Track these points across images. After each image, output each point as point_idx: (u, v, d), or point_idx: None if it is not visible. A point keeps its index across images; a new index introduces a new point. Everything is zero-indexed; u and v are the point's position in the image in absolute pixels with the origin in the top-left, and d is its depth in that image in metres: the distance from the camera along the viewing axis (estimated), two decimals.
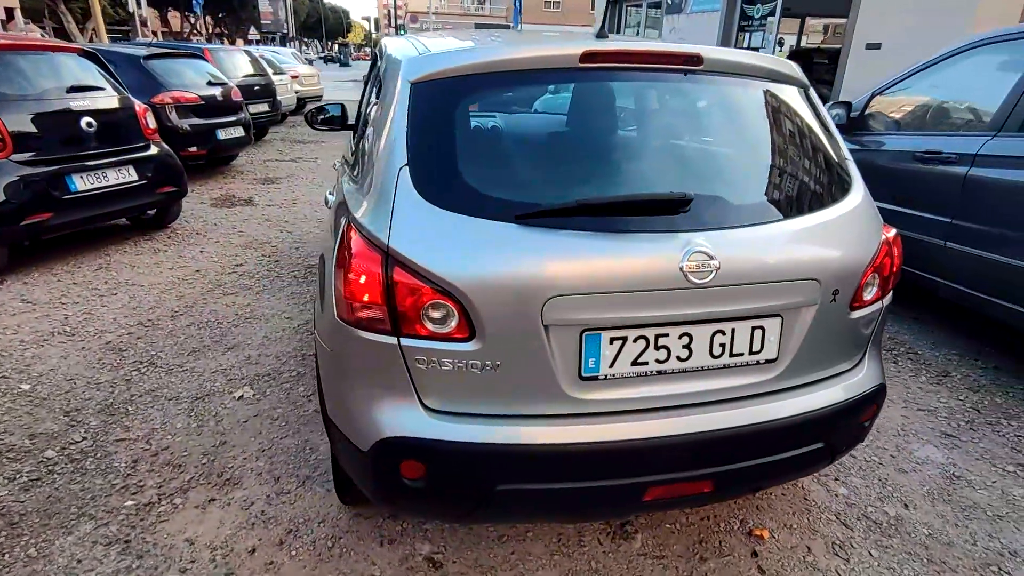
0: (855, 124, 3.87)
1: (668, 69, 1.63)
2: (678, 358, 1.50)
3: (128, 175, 4.65)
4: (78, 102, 4.41)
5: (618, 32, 15.18)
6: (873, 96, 3.85)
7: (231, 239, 5.27)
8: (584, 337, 1.43)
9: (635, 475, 1.50)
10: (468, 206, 1.44)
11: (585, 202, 1.41)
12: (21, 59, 4.23)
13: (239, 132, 7.60)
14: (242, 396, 2.84)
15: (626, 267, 1.40)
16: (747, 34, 11.02)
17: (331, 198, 2.22)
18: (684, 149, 1.62)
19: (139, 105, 4.91)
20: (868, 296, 1.67)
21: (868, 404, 1.74)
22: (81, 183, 4.29)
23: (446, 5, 63.76)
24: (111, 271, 4.39)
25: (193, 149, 6.85)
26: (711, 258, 1.42)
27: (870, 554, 2.06)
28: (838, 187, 1.70)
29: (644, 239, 1.42)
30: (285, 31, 43.96)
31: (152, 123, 4.98)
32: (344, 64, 50.10)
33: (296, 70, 14.33)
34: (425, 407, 1.48)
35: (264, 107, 9.91)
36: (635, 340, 1.46)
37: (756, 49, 10.55)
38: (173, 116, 6.69)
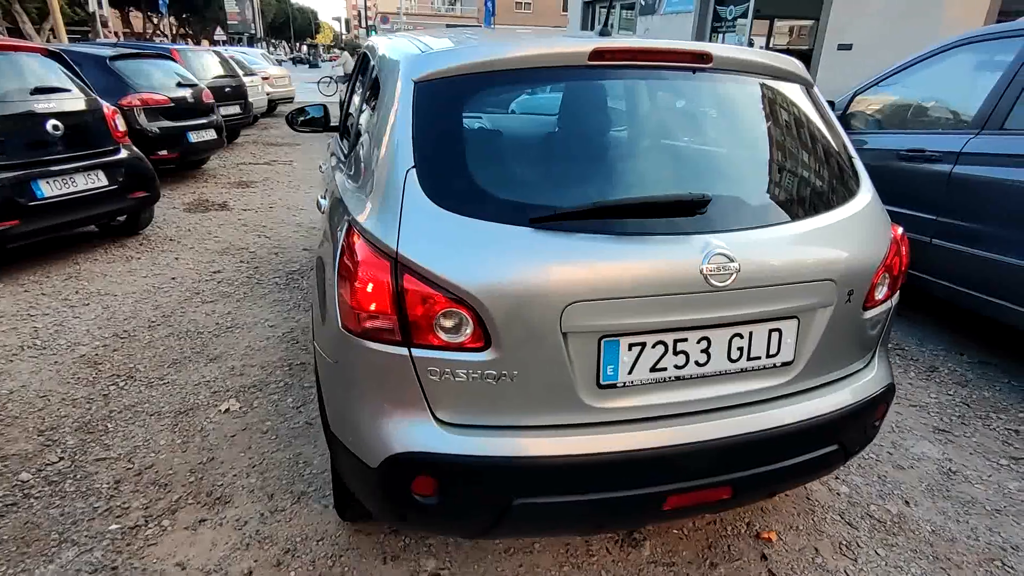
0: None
1: (677, 67, 1.60)
2: (696, 363, 1.46)
3: (98, 180, 4.47)
4: (43, 104, 4.22)
5: None
6: (855, 95, 3.89)
7: (207, 245, 5.10)
8: (602, 344, 1.39)
9: (655, 484, 1.46)
10: (480, 209, 1.38)
11: (602, 204, 1.36)
12: None
13: (211, 135, 7.40)
14: (228, 409, 2.73)
15: (646, 270, 1.35)
16: (720, 35, 11.15)
17: (324, 202, 2.14)
18: (696, 148, 1.59)
19: (108, 107, 4.73)
20: (879, 295, 1.66)
21: (879, 404, 1.73)
22: (48, 189, 4.10)
23: (416, 6, 63.37)
24: (82, 280, 4.21)
25: (164, 152, 6.63)
26: (731, 260, 1.38)
27: (877, 553, 2.05)
28: (849, 186, 1.68)
29: (663, 241, 1.38)
30: (253, 32, 43.12)
31: (122, 126, 4.80)
32: (313, 65, 49.37)
33: (266, 71, 14.04)
34: (438, 420, 1.42)
35: (235, 109, 9.68)
36: (654, 346, 1.42)
37: None
38: (142, 118, 6.47)
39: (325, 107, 3.55)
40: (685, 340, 1.44)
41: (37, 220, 4.07)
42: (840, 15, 8.30)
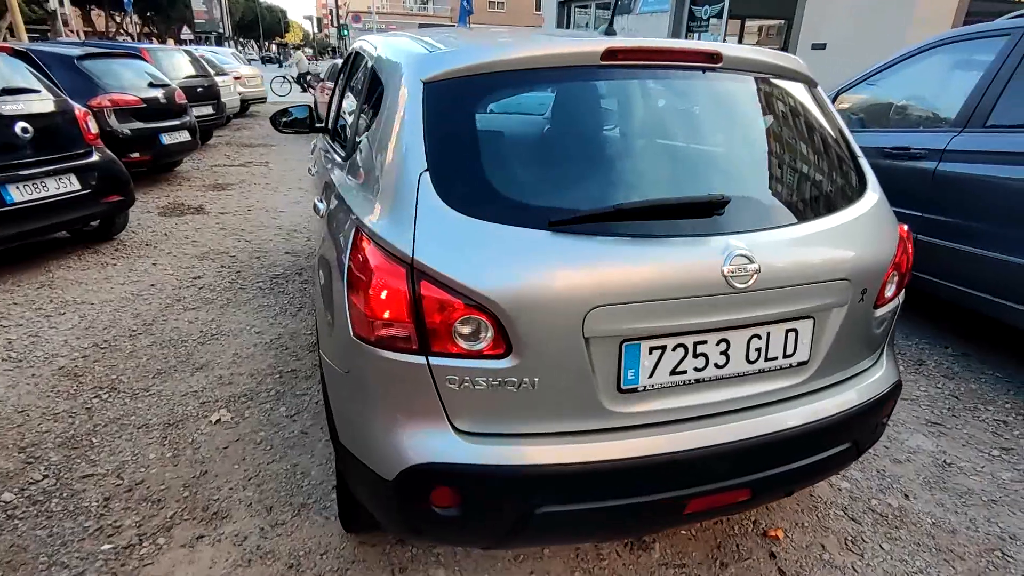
0: None
1: (687, 67, 1.59)
2: (716, 365, 1.45)
3: (70, 184, 4.31)
4: (10, 106, 4.05)
5: None
6: (839, 94, 3.95)
7: (185, 250, 4.96)
8: (624, 348, 1.37)
9: (677, 488, 1.44)
10: (496, 213, 1.34)
11: (623, 207, 1.34)
12: None
13: (185, 136, 7.21)
14: (219, 420, 2.65)
15: (668, 273, 1.34)
16: (695, 35, 11.26)
17: (322, 205, 2.08)
18: (709, 149, 1.58)
19: (79, 108, 4.56)
20: (889, 293, 1.67)
21: (889, 401, 1.74)
22: (17, 194, 3.94)
23: (387, 5, 62.77)
24: (56, 289, 4.05)
25: (136, 155, 6.43)
26: (751, 261, 1.37)
27: (882, 547, 2.07)
28: (858, 184, 1.69)
29: (683, 244, 1.37)
30: (221, 30, 42.23)
31: (94, 128, 4.63)
32: (284, 65, 48.56)
33: (238, 71, 13.75)
34: (456, 429, 1.38)
35: (208, 110, 9.45)
36: (674, 349, 1.40)
37: None
38: (113, 120, 6.27)
39: (310, 107, 3.47)
40: (705, 342, 1.42)
41: (7, 226, 3.90)
42: (814, 15, 8.44)
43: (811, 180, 1.64)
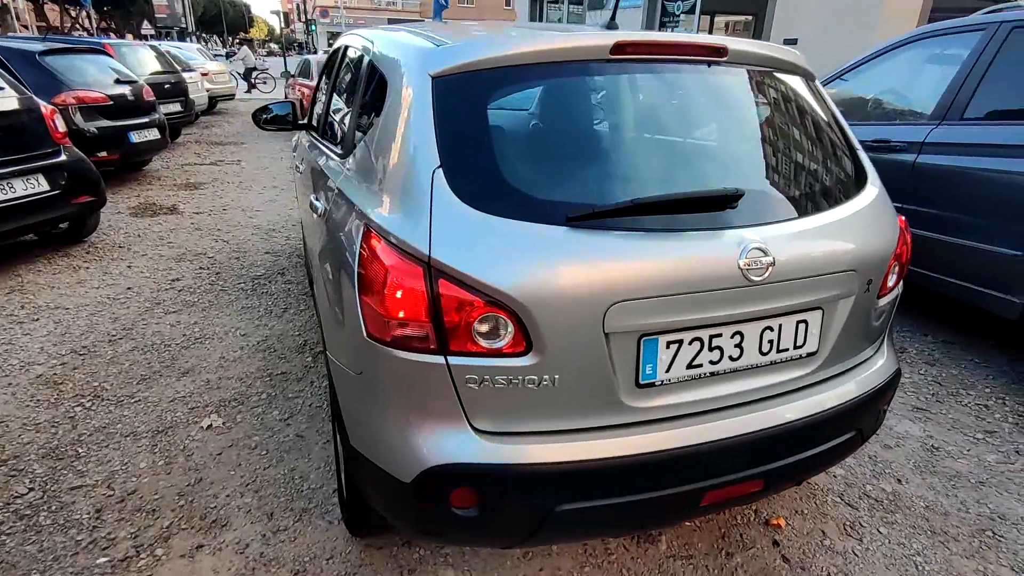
0: None
1: (694, 60, 1.59)
2: (730, 358, 1.46)
3: (38, 185, 4.15)
4: None
5: None
6: None
7: (161, 251, 4.82)
8: (642, 343, 1.36)
9: (694, 481, 1.45)
10: (514, 209, 1.33)
11: (639, 201, 1.34)
12: None
13: (154, 134, 7.00)
14: (210, 425, 2.58)
15: (687, 267, 1.34)
16: (668, 29, 11.34)
17: (319, 203, 2.03)
18: (718, 142, 1.59)
19: (45, 106, 4.39)
20: (891, 283, 1.70)
21: (890, 388, 1.78)
22: None
23: (355, 0, 61.90)
24: (27, 294, 3.90)
25: (103, 154, 6.22)
26: (765, 254, 1.38)
27: (879, 531, 2.12)
28: (860, 176, 1.72)
29: (700, 237, 1.37)
30: (183, 25, 41.09)
31: (62, 126, 4.46)
32: (231, 61, 47.43)
33: (205, 67, 13.40)
34: (475, 429, 1.36)
35: (176, 107, 9.20)
36: (690, 342, 1.41)
37: None
38: (78, 118, 6.06)
39: (293, 104, 3.40)
40: (720, 335, 1.43)
41: None
42: (785, 10, 8.59)
43: (817, 173, 1.66)
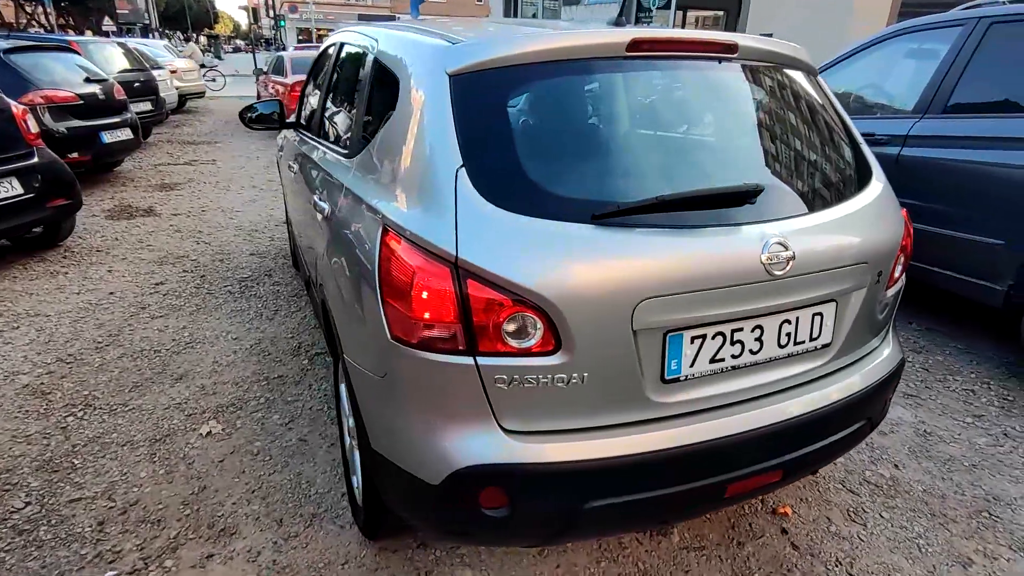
0: None
1: (706, 57, 1.61)
2: (750, 351, 1.48)
3: (11, 188, 4.01)
4: None
5: None
6: None
7: (141, 255, 4.70)
8: (667, 338, 1.38)
9: (718, 474, 1.47)
10: (538, 207, 1.33)
11: (665, 198, 1.34)
12: None
13: (126, 134, 6.81)
14: (210, 432, 2.53)
15: (712, 262, 1.35)
16: (644, 25, 11.41)
17: (324, 203, 2.00)
18: (733, 138, 1.60)
19: (16, 106, 4.24)
20: (896, 274, 1.74)
21: (897, 377, 1.83)
22: None
23: None
24: (4, 301, 3.76)
25: (75, 155, 6.03)
26: (786, 248, 1.41)
27: (882, 516, 2.18)
28: (866, 170, 1.76)
29: (723, 233, 1.39)
30: (147, 21, 39.91)
31: (34, 127, 4.32)
32: (216, 57, 46.51)
33: (173, 64, 13.08)
34: (504, 429, 1.36)
35: (147, 106, 8.96)
36: (713, 337, 1.43)
37: None
38: (48, 118, 5.86)
39: (280, 103, 3.35)
40: (741, 330, 1.45)
41: None
42: (761, 5, 8.71)
43: (827, 167, 1.69)
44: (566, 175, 1.40)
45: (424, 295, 1.31)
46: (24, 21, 36.65)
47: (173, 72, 12.47)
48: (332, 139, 2.30)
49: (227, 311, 3.72)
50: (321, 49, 3.08)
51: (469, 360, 1.31)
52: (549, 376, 1.32)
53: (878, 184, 1.74)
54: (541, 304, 1.27)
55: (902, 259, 1.75)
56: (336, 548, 1.96)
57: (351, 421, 1.91)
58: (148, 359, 3.11)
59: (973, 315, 3.74)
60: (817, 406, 1.58)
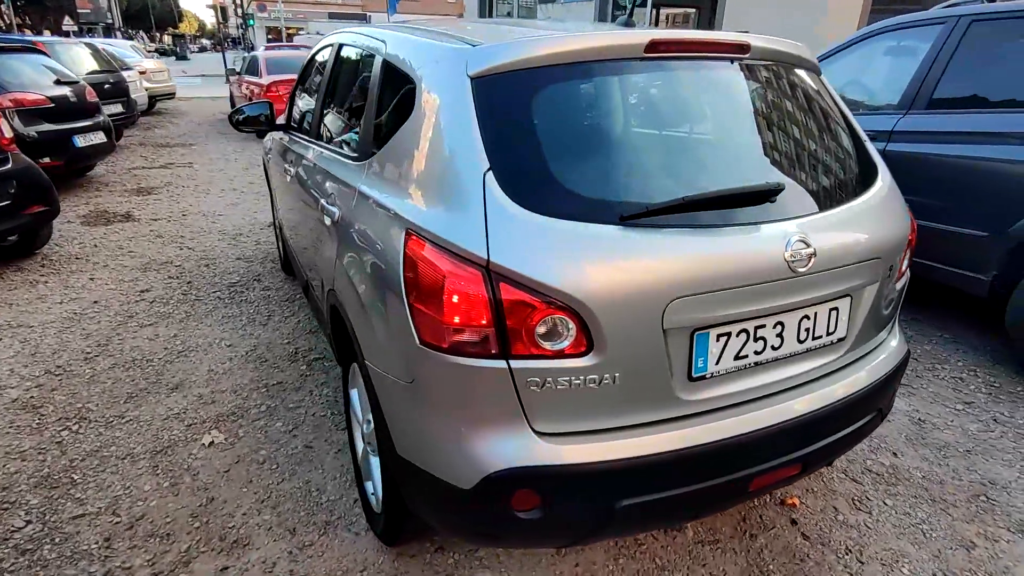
0: None
1: (719, 57, 1.63)
2: (772, 347, 1.51)
3: None
4: None
5: None
6: None
7: (123, 262, 4.58)
8: (695, 337, 1.39)
9: (744, 468, 1.49)
10: (566, 209, 1.33)
11: (691, 198, 1.36)
12: None
13: (100, 137, 6.63)
14: (212, 442, 2.48)
15: (739, 261, 1.37)
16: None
17: (334, 208, 1.97)
18: (749, 137, 1.62)
19: None
20: (903, 267, 1.79)
21: (903, 368, 1.87)
22: None
23: None
24: None
25: (46, 160, 5.84)
26: (807, 245, 1.43)
27: (885, 503, 2.23)
28: (873, 166, 1.80)
29: (748, 231, 1.41)
30: (109, 21, 38.84)
31: (7, 131, 4.18)
32: (182, 57, 45.48)
33: (142, 65, 12.75)
34: (536, 432, 1.36)
35: (118, 107, 8.73)
36: (738, 334, 1.45)
37: None
38: (17, 122, 5.67)
39: (271, 104, 3.30)
40: (763, 326, 1.47)
41: None
42: (736, 3, 8.84)
43: (838, 164, 1.72)
44: (591, 176, 1.41)
45: (455, 299, 1.30)
46: None
47: (142, 73, 12.16)
48: (336, 142, 2.27)
49: (218, 317, 3.65)
50: (314, 50, 3.04)
51: (502, 364, 1.30)
52: (582, 377, 1.32)
53: (885, 179, 1.78)
54: (574, 306, 1.27)
55: (908, 252, 1.79)
56: (353, 555, 1.95)
57: (367, 427, 1.90)
58: (141, 369, 3.03)
59: (957, 305, 3.85)
60: (833, 399, 1.61)
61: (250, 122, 3.23)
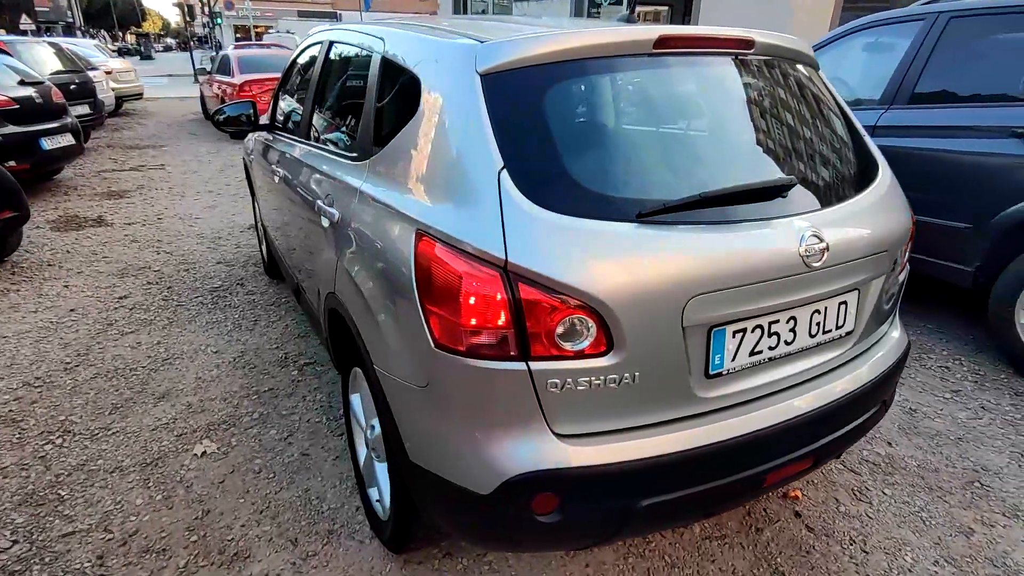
0: None
1: (725, 53, 1.63)
2: (785, 342, 1.51)
3: None
4: None
5: None
6: None
7: (98, 268, 4.44)
8: (712, 334, 1.38)
9: (760, 464, 1.49)
10: (583, 207, 1.31)
11: (708, 194, 1.35)
12: None
13: (68, 140, 6.41)
14: (204, 452, 2.41)
15: (756, 257, 1.37)
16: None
17: (333, 209, 1.92)
18: (756, 132, 1.61)
19: None
20: (904, 259, 1.81)
21: (905, 359, 1.90)
22: None
23: None
24: None
25: (12, 163, 5.62)
26: (820, 240, 1.44)
27: (884, 493, 2.26)
28: (874, 160, 1.81)
29: (763, 227, 1.41)
30: (69, 19, 37.63)
31: None
32: (147, 57, 44.36)
33: (107, 64, 12.38)
34: (555, 434, 1.34)
35: (85, 108, 8.46)
36: (753, 330, 1.44)
37: None
38: None
39: (253, 104, 3.22)
40: (777, 321, 1.47)
41: None
42: (711, 1, 8.92)
43: (843, 158, 1.73)
44: (606, 173, 1.39)
45: (472, 301, 1.27)
46: None
47: (108, 73, 11.82)
48: (331, 142, 2.22)
49: (202, 323, 3.56)
50: (300, 48, 2.97)
51: (521, 365, 1.28)
52: (601, 378, 1.31)
53: (886, 173, 1.80)
54: (594, 305, 1.26)
55: (909, 244, 1.82)
56: (359, 564, 1.90)
57: (371, 433, 1.86)
58: (125, 378, 2.93)
59: (938, 296, 3.93)
60: (843, 392, 1.62)
61: (232, 122, 3.15)
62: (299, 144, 2.56)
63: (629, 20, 1.71)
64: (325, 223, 1.97)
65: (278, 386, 2.89)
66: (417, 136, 1.54)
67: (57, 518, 2.06)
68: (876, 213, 1.64)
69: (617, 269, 1.27)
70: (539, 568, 1.91)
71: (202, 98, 12.88)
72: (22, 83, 6.14)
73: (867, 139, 1.88)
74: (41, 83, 6.42)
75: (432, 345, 1.34)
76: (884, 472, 2.37)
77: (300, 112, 2.68)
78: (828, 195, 1.58)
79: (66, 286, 4.07)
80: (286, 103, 3.09)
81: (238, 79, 9.87)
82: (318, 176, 2.17)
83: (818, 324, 1.55)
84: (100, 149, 9.23)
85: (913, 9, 3.51)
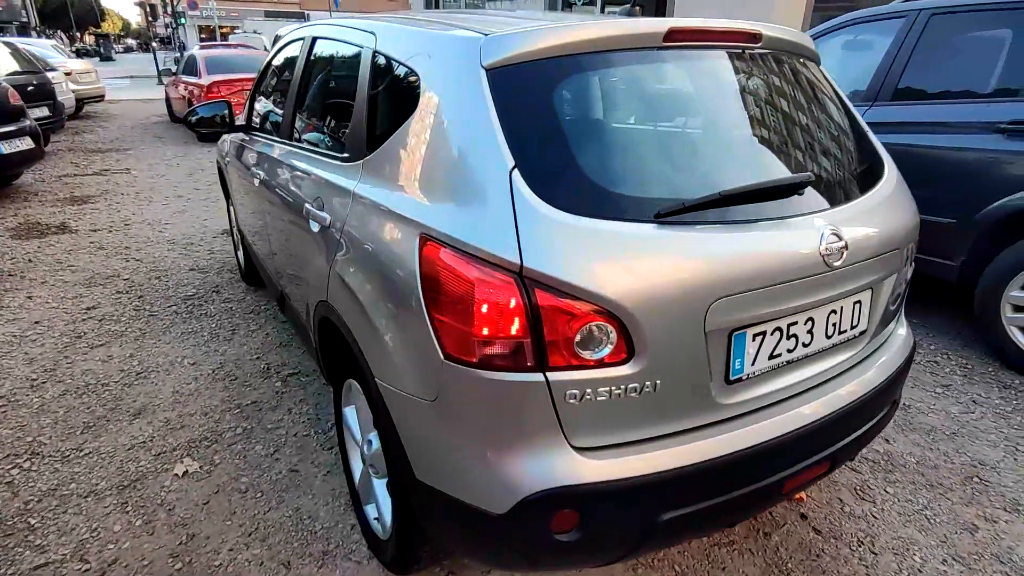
0: None
1: (733, 46, 1.58)
2: (803, 344, 1.47)
3: None
4: None
5: None
6: None
7: (63, 277, 4.23)
8: (732, 338, 1.33)
9: (780, 470, 1.44)
10: (599, 208, 1.24)
11: (727, 193, 1.29)
12: None
13: (27, 143, 6.12)
14: (186, 472, 2.28)
15: (778, 257, 1.32)
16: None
17: (324, 213, 1.82)
18: (768, 128, 1.57)
19: None
20: (911, 256, 1.78)
21: (913, 357, 1.87)
22: None
23: None
24: None
25: None
26: (839, 239, 1.39)
27: (887, 491, 2.25)
28: (879, 156, 1.79)
29: (780, 227, 1.36)
30: (24, 19, 36.30)
31: None
32: (107, 58, 43.08)
33: (67, 65, 11.93)
34: (573, 448, 1.27)
35: (44, 111, 8.11)
36: (772, 333, 1.40)
37: None
38: None
39: (229, 103, 3.09)
40: (796, 323, 1.43)
41: None
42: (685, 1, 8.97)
43: (851, 155, 1.70)
44: (621, 172, 1.32)
45: (484, 309, 1.19)
46: None
47: (68, 74, 11.38)
48: (317, 143, 2.11)
49: (177, 334, 3.40)
50: (280, 45, 2.84)
51: (538, 376, 1.21)
52: (622, 387, 1.24)
53: (893, 170, 1.78)
54: (615, 311, 1.19)
55: (916, 240, 1.79)
56: None
57: (368, 448, 1.76)
58: (96, 395, 2.77)
59: (923, 291, 3.97)
60: (858, 393, 1.59)
61: (206, 123, 3.01)
62: (282, 145, 2.44)
63: (630, 14, 1.65)
64: (315, 227, 1.87)
65: (261, 398, 2.76)
66: (416, 135, 1.45)
67: (28, 549, 1.92)
68: (887, 210, 1.61)
69: (638, 272, 1.21)
70: None
71: (168, 100, 12.51)
72: None
73: (871, 135, 1.86)
74: None
75: (441, 356, 1.26)
76: (884, 470, 2.36)
77: (281, 112, 2.56)
78: (842, 192, 1.54)
79: (29, 297, 3.86)
80: (265, 103, 2.96)
81: (206, 80, 9.58)
82: (305, 178, 2.06)
83: (834, 324, 1.51)
84: (61, 153, 8.87)
85: (895, 6, 3.54)
